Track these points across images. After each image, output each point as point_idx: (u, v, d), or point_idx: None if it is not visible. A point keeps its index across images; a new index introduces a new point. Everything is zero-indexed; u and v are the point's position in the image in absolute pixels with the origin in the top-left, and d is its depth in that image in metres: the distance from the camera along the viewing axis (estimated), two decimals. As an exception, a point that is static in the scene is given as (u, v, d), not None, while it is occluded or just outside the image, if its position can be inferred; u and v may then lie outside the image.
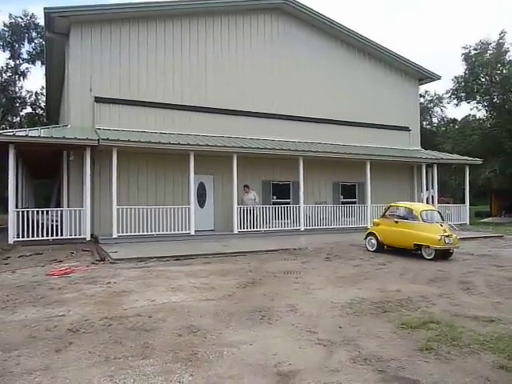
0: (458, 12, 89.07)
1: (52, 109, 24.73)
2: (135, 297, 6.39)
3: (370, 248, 11.75)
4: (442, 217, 11.47)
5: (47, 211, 13.36)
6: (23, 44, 36.84)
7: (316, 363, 3.96)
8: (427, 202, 18.18)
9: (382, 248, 11.49)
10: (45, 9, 13.48)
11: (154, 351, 4.20)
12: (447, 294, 6.74)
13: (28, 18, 35.90)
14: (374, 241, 11.70)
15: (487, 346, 4.37)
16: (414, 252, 10.81)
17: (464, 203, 19.66)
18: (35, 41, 36.79)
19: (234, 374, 3.70)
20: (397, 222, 11.20)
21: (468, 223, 19.23)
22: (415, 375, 3.70)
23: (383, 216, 12.00)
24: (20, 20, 35.70)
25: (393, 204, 12.14)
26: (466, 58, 29.90)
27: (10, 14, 35.59)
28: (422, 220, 10.72)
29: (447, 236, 10.24)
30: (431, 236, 10.26)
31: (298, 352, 4.24)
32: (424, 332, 4.80)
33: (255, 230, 15.05)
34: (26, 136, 12.33)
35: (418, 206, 11.64)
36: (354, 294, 6.67)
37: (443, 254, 10.36)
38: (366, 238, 12.04)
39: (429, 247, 10.32)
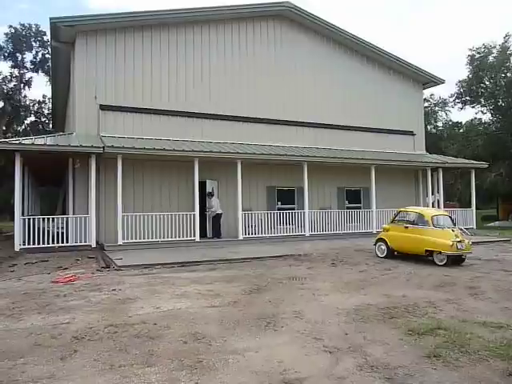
0: (463, 16, 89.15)
1: (57, 116, 24.90)
2: (140, 304, 6.37)
3: (379, 254, 11.52)
4: (453, 222, 11.21)
5: (53, 218, 13.41)
6: (25, 53, 37.23)
7: (322, 371, 3.92)
8: (433, 207, 18.06)
9: (392, 254, 11.28)
10: (50, 18, 13.62)
11: (159, 359, 4.17)
12: (454, 299, 6.67)
13: (28, 27, 36.28)
14: (383, 247, 11.48)
15: (496, 352, 4.30)
16: (425, 258, 10.60)
17: (470, 207, 19.54)
18: (37, 49, 37.16)
19: (240, 382, 3.67)
20: (407, 227, 10.97)
21: (475, 227, 19.07)
22: (423, 383, 3.65)
23: (393, 221, 11.78)
24: (20, 30, 36.09)
25: (402, 209, 11.94)
26: (471, 60, 29.82)
27: (10, 25, 36.15)
28: (433, 225, 10.48)
29: (459, 241, 10.02)
30: (443, 242, 10.03)
31: (304, 359, 4.20)
32: (431, 338, 4.74)
33: (260, 235, 15.04)
34: (32, 144, 12.41)
35: (428, 211, 11.40)
36: (360, 299, 6.62)
37: (456, 260, 10.18)
38: (375, 244, 11.82)
39: (440, 253, 10.11)
